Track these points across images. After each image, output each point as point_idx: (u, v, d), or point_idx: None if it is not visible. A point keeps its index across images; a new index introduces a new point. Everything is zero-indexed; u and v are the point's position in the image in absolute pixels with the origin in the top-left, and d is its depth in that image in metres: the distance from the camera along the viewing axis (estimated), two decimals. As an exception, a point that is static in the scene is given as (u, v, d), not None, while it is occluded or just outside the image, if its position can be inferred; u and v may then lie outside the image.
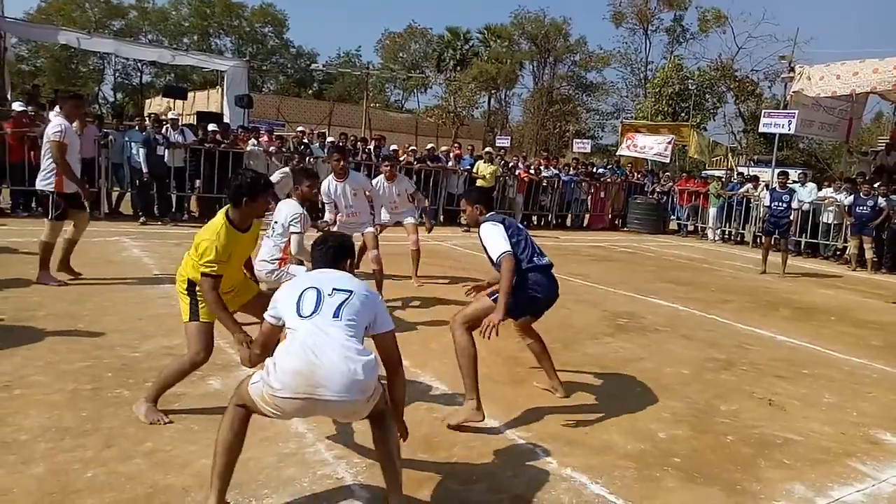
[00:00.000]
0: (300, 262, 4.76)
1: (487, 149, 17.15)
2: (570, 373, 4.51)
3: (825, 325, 6.93)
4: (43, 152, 5.90)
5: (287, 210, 4.83)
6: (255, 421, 3.27)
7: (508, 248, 3.44)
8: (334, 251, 2.73)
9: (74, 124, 6.02)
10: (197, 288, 3.22)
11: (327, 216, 6.19)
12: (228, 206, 3.26)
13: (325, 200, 6.13)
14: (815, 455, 3.50)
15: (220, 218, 3.23)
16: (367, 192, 6.21)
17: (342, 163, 6.05)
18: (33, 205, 10.11)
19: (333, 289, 2.48)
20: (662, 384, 4.44)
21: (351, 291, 2.49)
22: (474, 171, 13.80)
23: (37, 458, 2.75)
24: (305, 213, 4.87)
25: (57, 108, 6.10)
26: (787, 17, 63.20)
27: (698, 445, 3.48)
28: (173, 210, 11.09)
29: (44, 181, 5.84)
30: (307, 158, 12.12)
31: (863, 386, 4.81)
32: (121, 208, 11.11)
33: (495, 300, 3.43)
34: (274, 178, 6.38)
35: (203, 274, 3.11)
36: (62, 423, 3.09)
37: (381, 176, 6.99)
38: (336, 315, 2.40)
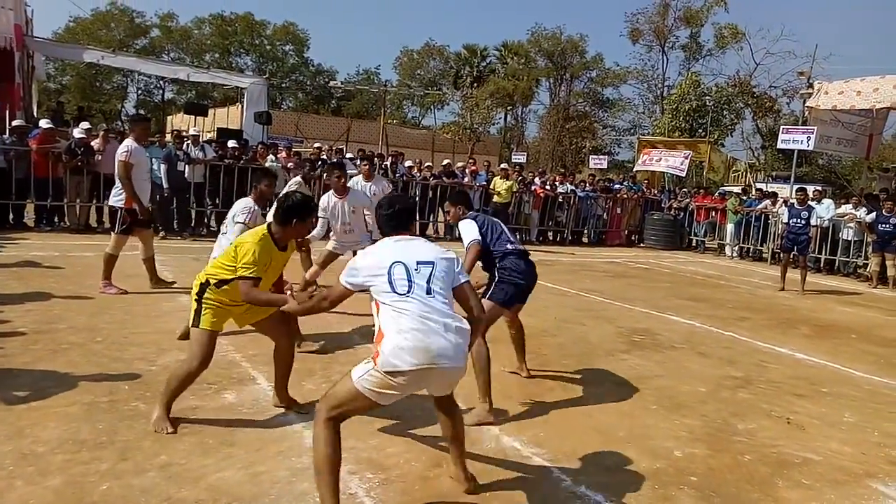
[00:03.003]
0: None
1: (503, 165, 17.17)
2: (585, 389, 4.48)
3: (845, 343, 6.82)
4: (115, 172, 6.34)
5: (239, 205, 4.89)
6: (268, 434, 3.32)
7: (478, 237, 3.97)
8: (406, 214, 2.88)
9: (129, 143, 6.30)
10: (206, 294, 3.29)
11: (317, 230, 5.91)
12: (272, 221, 3.37)
13: (320, 215, 5.92)
14: (834, 475, 3.43)
15: (262, 229, 3.36)
16: (365, 211, 5.95)
17: (342, 181, 5.94)
18: (65, 220, 10.33)
19: (417, 262, 2.63)
20: (678, 402, 4.39)
21: (433, 262, 2.66)
22: (490, 187, 13.84)
23: (54, 470, 2.79)
24: (257, 208, 4.92)
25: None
26: (805, 34, 63.02)
27: (715, 464, 3.44)
28: (193, 225, 11.23)
29: (115, 198, 6.33)
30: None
31: (884, 406, 4.72)
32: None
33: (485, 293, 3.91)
34: (290, 188, 6.67)
35: (242, 278, 3.17)
36: (79, 436, 3.13)
37: (360, 176, 7.05)
38: (429, 292, 2.57)
